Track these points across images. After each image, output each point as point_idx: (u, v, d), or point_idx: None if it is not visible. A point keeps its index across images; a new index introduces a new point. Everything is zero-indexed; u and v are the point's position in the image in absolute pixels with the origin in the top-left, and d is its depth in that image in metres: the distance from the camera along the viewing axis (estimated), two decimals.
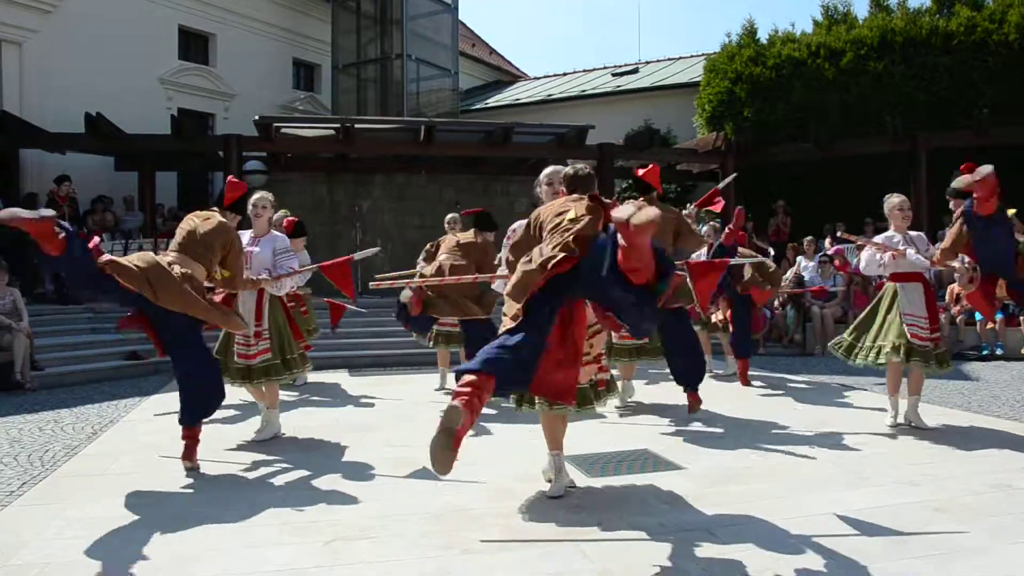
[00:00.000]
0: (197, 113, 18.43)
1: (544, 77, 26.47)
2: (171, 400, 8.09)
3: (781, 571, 3.48)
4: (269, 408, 6.24)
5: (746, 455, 5.55)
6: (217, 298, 5.56)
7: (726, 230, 7.56)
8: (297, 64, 21.36)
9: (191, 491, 4.83)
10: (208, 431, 6.45)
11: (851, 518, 4.14)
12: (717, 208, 6.94)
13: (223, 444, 6.07)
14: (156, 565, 3.63)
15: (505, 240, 4.98)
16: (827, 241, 14.23)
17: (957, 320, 11.56)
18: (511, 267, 4.53)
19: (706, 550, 3.73)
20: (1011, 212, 5.42)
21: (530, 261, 4.10)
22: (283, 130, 14.59)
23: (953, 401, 7.58)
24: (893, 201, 6.34)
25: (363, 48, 20.69)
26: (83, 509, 4.48)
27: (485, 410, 7.21)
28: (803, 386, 8.75)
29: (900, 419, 6.36)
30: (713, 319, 9.05)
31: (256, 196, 6.25)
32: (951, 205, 6.20)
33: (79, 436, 6.42)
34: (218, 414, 7.01)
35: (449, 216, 8.64)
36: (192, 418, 5.30)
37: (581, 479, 4.97)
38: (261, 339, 6.04)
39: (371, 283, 6.31)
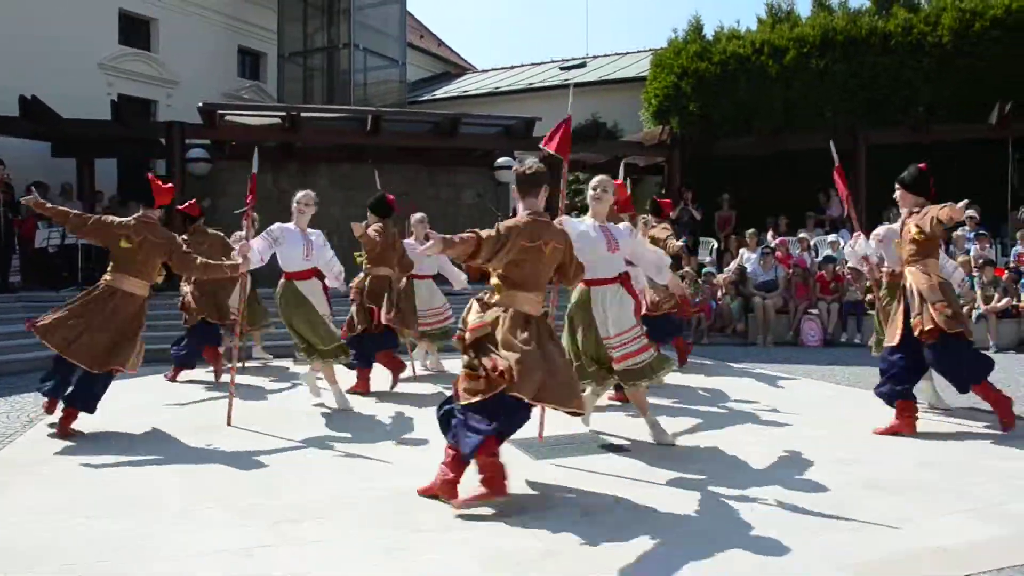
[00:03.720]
0: (138, 99, 18.06)
1: (492, 70, 26.47)
2: (112, 388, 7.96)
3: (724, 546, 3.57)
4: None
5: (689, 437, 5.67)
6: None
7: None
8: (242, 52, 21.04)
9: (135, 477, 4.76)
10: (159, 416, 6.40)
11: (791, 495, 4.27)
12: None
13: (170, 429, 5.98)
14: (101, 549, 3.58)
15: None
16: (769, 233, 14.52)
17: None
18: None
19: (652, 526, 3.81)
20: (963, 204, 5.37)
21: None
22: (227, 117, 14.36)
23: None
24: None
25: (310, 37, 20.48)
26: (23, 495, 4.39)
27: (435, 395, 7.20)
28: (744, 374, 8.92)
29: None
30: None
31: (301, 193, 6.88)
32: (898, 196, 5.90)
33: (14, 424, 6.26)
34: (168, 400, 6.94)
35: (418, 216, 8.78)
36: None
37: (530, 462, 5.02)
38: None
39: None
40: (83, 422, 6.18)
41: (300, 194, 6.86)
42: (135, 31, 18.49)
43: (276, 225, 6.67)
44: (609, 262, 5.23)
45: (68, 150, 14.81)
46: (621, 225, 5.54)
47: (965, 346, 5.65)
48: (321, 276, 6.90)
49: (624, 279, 5.31)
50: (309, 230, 6.85)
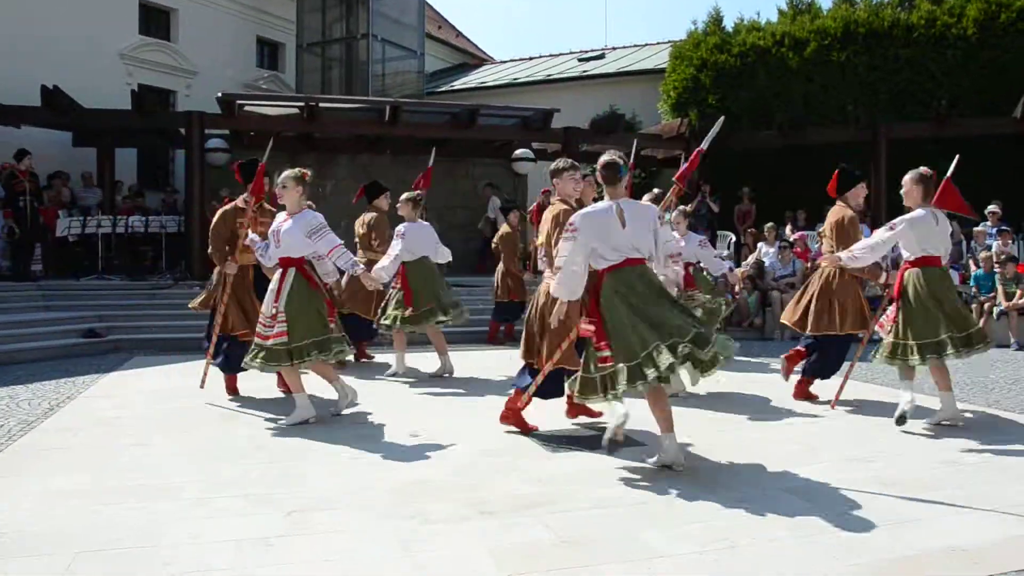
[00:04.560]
0: (158, 89, 18.15)
1: (510, 61, 26.41)
2: (131, 377, 8.04)
3: (738, 541, 3.56)
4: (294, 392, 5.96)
5: (705, 433, 5.64)
6: None
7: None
8: (261, 42, 21.09)
9: (152, 465, 4.79)
10: (176, 403, 6.45)
11: (806, 491, 4.24)
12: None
13: (186, 417, 6.02)
14: (118, 535, 3.61)
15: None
16: (788, 228, 14.43)
17: None
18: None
19: (665, 520, 3.81)
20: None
21: None
22: (246, 107, 14.43)
23: None
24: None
25: (328, 27, 20.51)
26: (42, 481, 4.43)
27: (450, 387, 7.23)
28: (761, 368, 8.87)
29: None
30: None
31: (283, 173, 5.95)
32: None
33: (35, 412, 6.32)
34: (185, 387, 6.97)
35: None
36: None
37: (543, 455, 5.02)
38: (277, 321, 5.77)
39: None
40: (101, 408, 6.24)
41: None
42: (155, 21, 18.59)
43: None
44: None
45: (89, 140, 14.93)
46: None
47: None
48: (293, 265, 5.86)
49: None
50: (299, 216, 5.86)
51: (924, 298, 5.64)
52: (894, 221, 5.82)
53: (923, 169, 5.88)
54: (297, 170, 5.97)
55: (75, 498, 4.12)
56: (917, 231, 5.73)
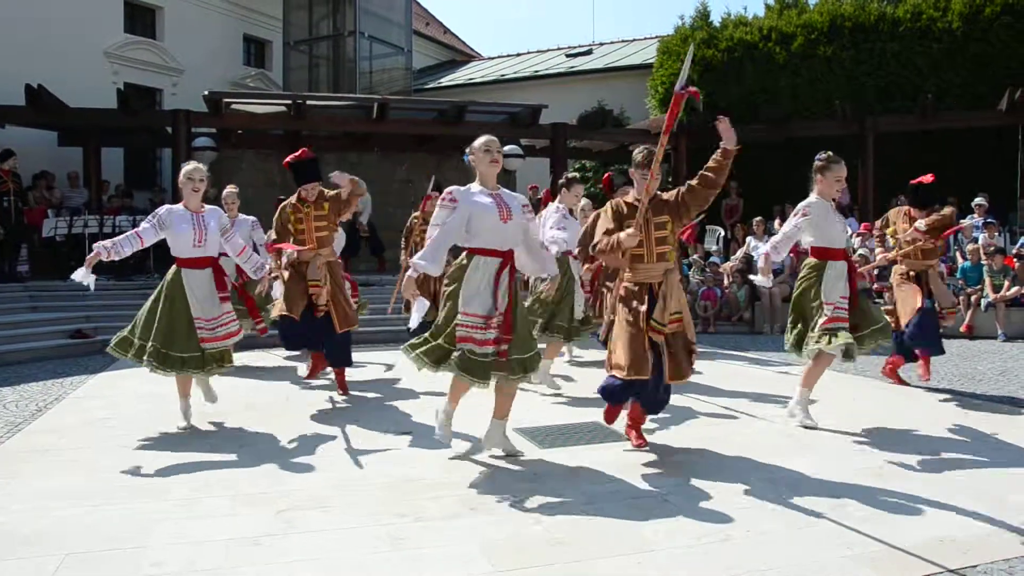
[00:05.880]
0: (144, 88, 18.02)
1: (498, 57, 26.36)
2: (119, 378, 8.00)
3: (730, 534, 3.57)
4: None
5: (696, 427, 5.65)
6: None
7: None
8: (247, 40, 20.97)
9: (142, 465, 4.77)
10: (160, 405, 6.41)
11: (798, 484, 4.26)
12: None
13: (176, 418, 5.99)
14: (106, 535, 3.60)
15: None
16: (776, 222, 14.44)
17: None
18: None
19: (658, 515, 3.81)
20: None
21: None
22: (233, 106, 14.36)
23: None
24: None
25: (315, 25, 20.40)
26: (30, 483, 4.40)
27: (439, 385, 7.23)
28: (751, 362, 8.90)
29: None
30: None
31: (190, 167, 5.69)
32: None
33: (23, 413, 6.28)
34: (165, 391, 6.94)
35: None
36: None
37: (535, 451, 5.02)
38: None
39: None
40: (90, 409, 6.20)
41: (188, 167, 5.66)
42: (141, 19, 18.45)
43: (164, 207, 5.78)
44: None
45: (74, 139, 14.82)
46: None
47: None
48: (217, 267, 5.90)
49: None
50: (208, 210, 5.75)
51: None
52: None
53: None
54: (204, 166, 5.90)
55: (64, 499, 4.10)
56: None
